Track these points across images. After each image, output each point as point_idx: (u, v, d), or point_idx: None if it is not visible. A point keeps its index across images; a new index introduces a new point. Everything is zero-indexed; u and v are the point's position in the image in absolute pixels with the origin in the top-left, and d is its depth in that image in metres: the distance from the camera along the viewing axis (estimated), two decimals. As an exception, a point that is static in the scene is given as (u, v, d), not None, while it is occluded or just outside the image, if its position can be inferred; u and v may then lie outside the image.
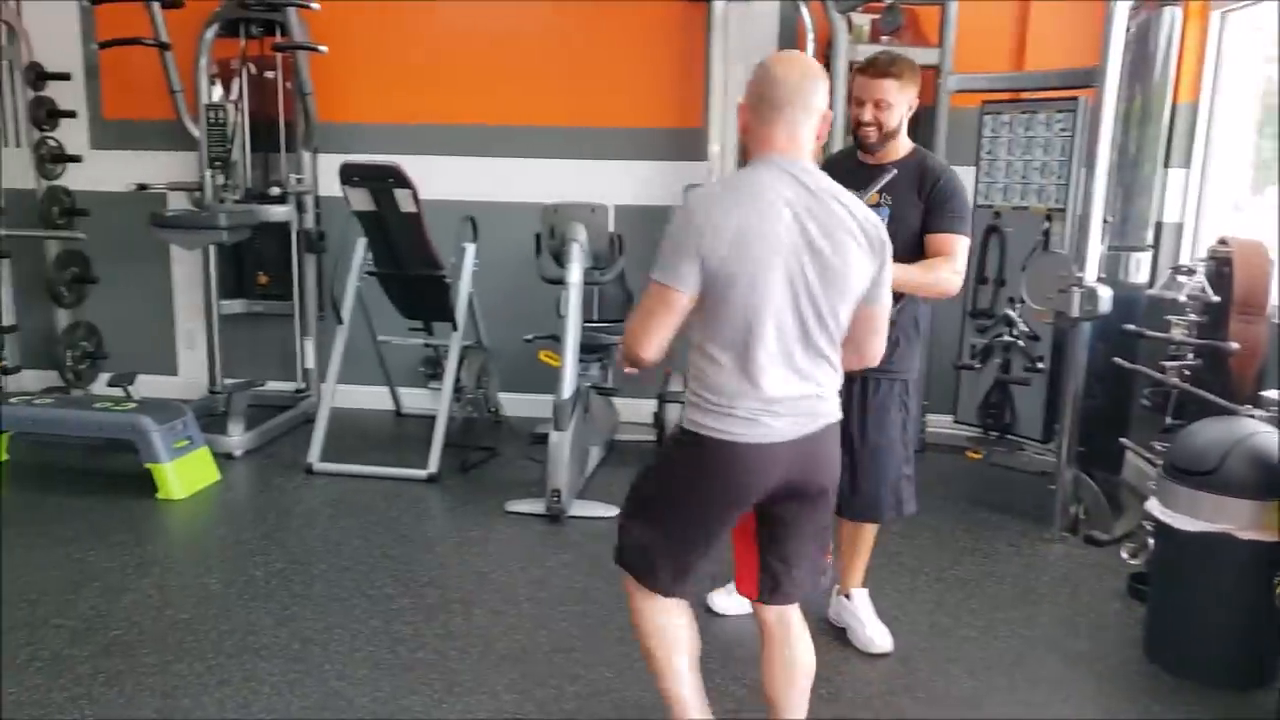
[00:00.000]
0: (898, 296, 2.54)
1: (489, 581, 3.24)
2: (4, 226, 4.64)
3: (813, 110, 1.87)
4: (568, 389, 3.81)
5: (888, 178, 2.56)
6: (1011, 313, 4.26)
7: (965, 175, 4.41)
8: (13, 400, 4.11)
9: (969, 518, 3.87)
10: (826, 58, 4.32)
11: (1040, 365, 4.14)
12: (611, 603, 3.09)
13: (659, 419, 4.27)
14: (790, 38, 4.66)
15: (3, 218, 4.65)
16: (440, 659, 2.74)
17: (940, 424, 4.70)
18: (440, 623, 2.94)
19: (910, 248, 2.51)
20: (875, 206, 2.54)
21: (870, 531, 2.88)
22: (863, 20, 4.38)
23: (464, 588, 3.19)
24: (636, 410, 4.82)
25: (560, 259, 4.06)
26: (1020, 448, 4.18)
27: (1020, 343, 4.22)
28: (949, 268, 2.52)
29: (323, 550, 3.44)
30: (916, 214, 2.57)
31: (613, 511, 3.78)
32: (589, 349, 4.36)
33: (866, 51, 4.29)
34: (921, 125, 4.51)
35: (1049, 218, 4.14)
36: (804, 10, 4.28)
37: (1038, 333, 4.16)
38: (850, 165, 2.66)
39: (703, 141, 4.63)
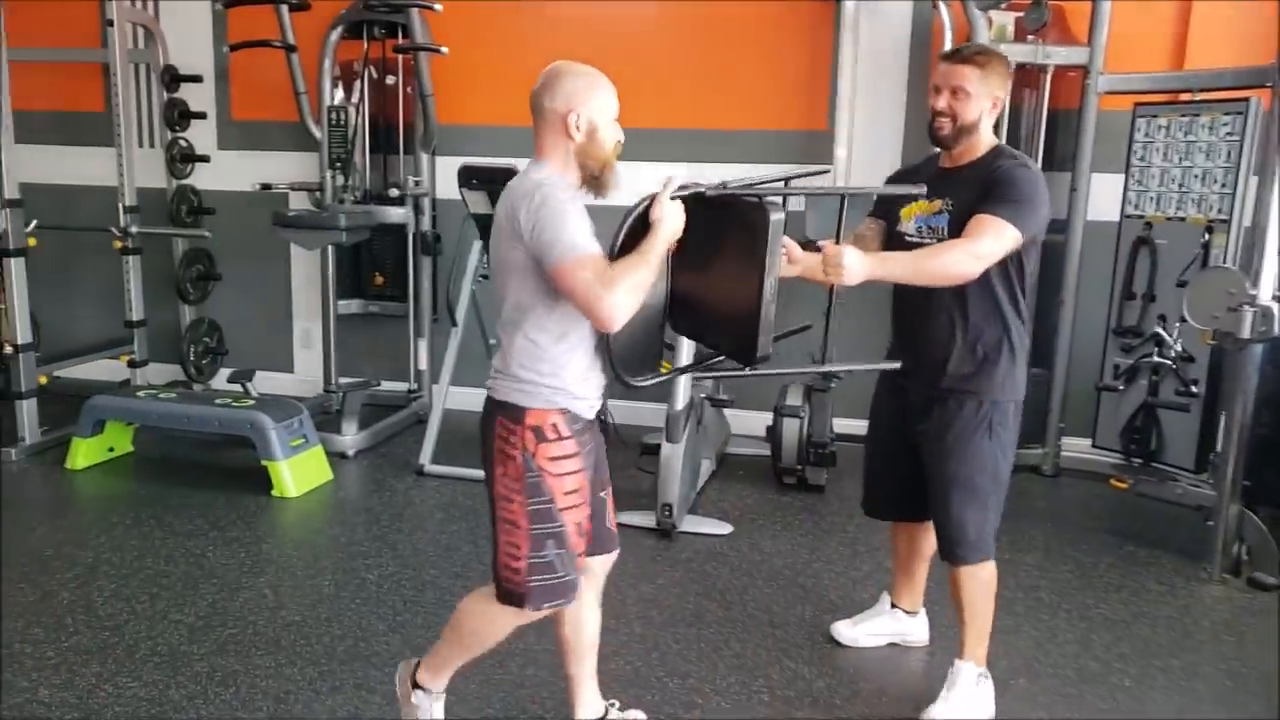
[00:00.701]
0: (925, 292, 2.30)
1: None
2: (136, 224, 4.76)
3: (544, 113, 1.98)
4: (681, 400, 3.67)
5: (913, 190, 2.27)
6: (1163, 331, 3.94)
7: (1112, 183, 4.18)
8: (140, 394, 4.21)
9: (1114, 551, 3.58)
10: (964, 57, 4.08)
11: (1195, 389, 3.82)
12: (726, 628, 2.95)
13: (775, 433, 4.10)
14: (925, 37, 4.44)
15: (136, 216, 4.78)
16: (551, 676, 2.64)
17: (1077, 448, 4.39)
18: (551, 638, 2.82)
19: None
20: (936, 214, 2.33)
21: (961, 574, 2.48)
22: (1005, 18, 4.12)
23: (574, 602, 3.08)
24: (747, 423, 4.66)
25: (678, 265, 3.93)
26: (1171, 478, 3.85)
27: (1172, 364, 3.89)
28: (963, 248, 2.17)
29: (433, 555, 3.39)
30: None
31: (726, 529, 3.65)
32: (703, 358, 4.22)
33: (1010, 52, 4.04)
34: (1064, 129, 4.26)
35: (1209, 229, 3.81)
36: (942, 8, 4.05)
37: (1192, 354, 3.84)
38: (929, 171, 2.39)
39: (828, 144, 4.45)
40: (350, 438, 4.40)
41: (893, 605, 2.86)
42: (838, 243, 2.12)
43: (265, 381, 4.99)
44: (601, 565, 2.27)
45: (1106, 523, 3.86)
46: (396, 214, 4.72)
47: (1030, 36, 4.10)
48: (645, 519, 3.66)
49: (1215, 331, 3.37)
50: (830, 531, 3.69)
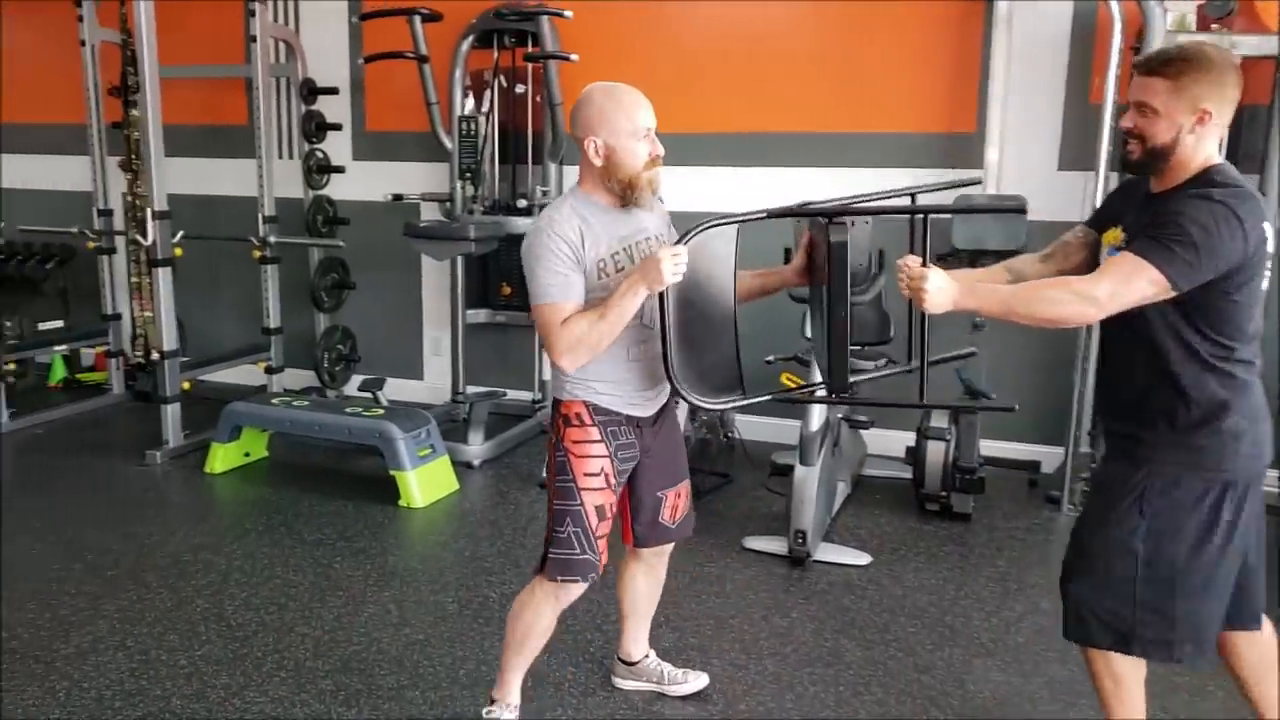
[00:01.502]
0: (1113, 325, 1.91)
1: (727, 628, 2.97)
2: (274, 234, 4.88)
3: (574, 141, 2.14)
4: (816, 420, 3.47)
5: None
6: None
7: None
8: (274, 401, 4.29)
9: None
10: (1135, 53, 3.75)
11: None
12: (867, 670, 2.74)
13: (918, 456, 3.85)
14: (1087, 31, 4.11)
15: (274, 225, 4.90)
16: (677, 714, 2.50)
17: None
18: (679, 669, 2.70)
19: (1150, 306, 1.86)
20: (1115, 246, 1.95)
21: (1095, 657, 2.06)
22: (1185, 6, 3.76)
23: (701, 632, 2.94)
24: (884, 443, 4.41)
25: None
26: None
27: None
28: (1072, 287, 1.84)
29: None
30: None
31: (864, 559, 3.43)
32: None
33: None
34: (1251, 127, 3.86)
35: None
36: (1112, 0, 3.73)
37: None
38: (1142, 191, 1.98)
39: (977, 147, 4.17)
40: (476, 448, 4.38)
41: None
42: (924, 264, 1.91)
43: (395, 389, 5.03)
44: (655, 553, 2.47)
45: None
46: (525, 224, 4.66)
47: (1214, 26, 3.72)
48: (777, 545, 3.48)
49: None
50: (979, 565, 3.43)
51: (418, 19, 4.60)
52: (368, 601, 3.08)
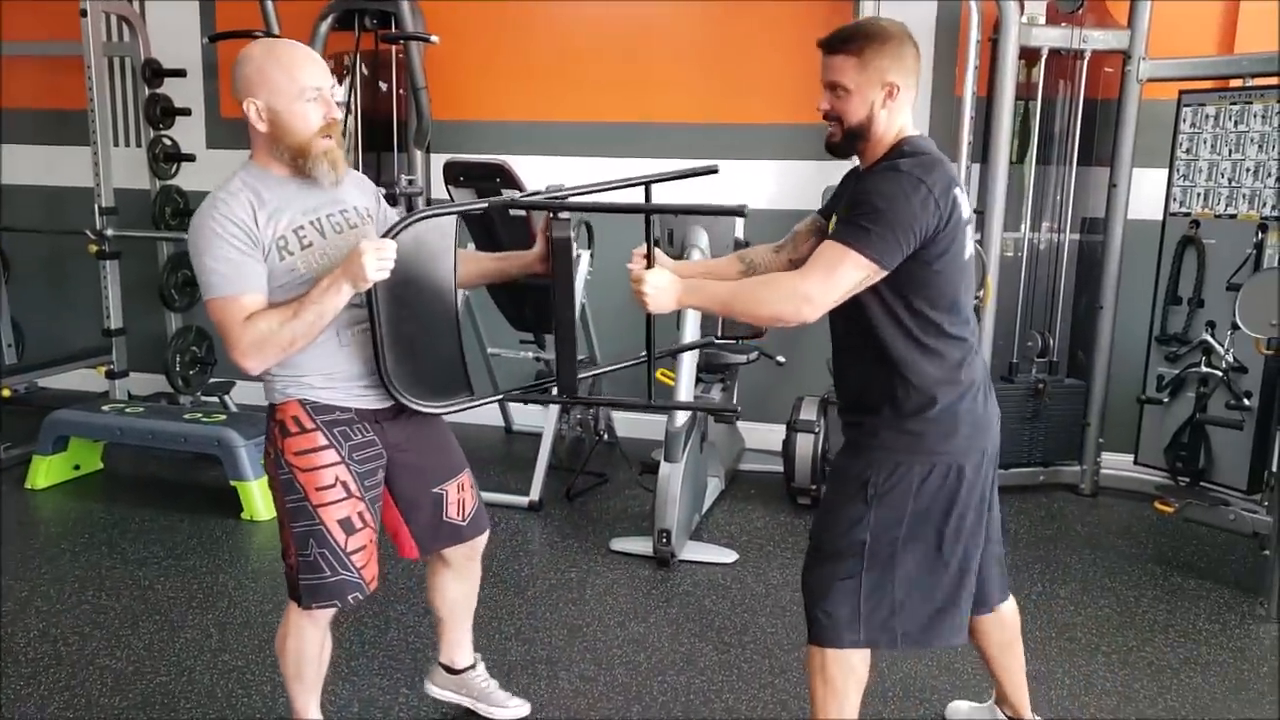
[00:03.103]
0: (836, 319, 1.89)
1: (581, 637, 2.83)
2: (115, 227, 4.54)
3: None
4: (681, 416, 3.37)
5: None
6: (1212, 339, 3.59)
7: (1154, 178, 3.82)
8: (105, 409, 3.98)
9: (1160, 584, 3.22)
10: (994, 45, 3.74)
11: (1247, 402, 3.46)
12: (720, 674, 2.64)
13: (788, 449, 3.78)
14: (952, 28, 4.11)
15: (113, 218, 4.55)
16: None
17: (1119, 465, 4.04)
18: (520, 687, 2.55)
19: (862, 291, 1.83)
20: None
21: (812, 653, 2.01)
22: (1037, 6, 3.77)
23: (552, 644, 2.79)
24: (764, 437, 4.33)
25: (678, 268, 3.63)
26: (1222, 500, 3.48)
27: (1223, 375, 3.54)
28: (788, 286, 1.79)
29: (404, 589, 3.10)
30: None
31: (730, 557, 3.33)
32: (710, 369, 3.93)
33: (1043, 37, 3.72)
34: (1102, 121, 3.91)
35: (1263, 227, 3.46)
36: (969, -5, 3.71)
37: (1245, 364, 3.47)
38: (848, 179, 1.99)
39: (844, 139, 4.13)
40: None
41: (996, 701, 2.33)
42: (650, 265, 1.83)
43: (250, 392, 4.74)
44: (463, 553, 2.23)
45: (1150, 550, 3.50)
46: (391, 214, 4.44)
47: (1065, 21, 3.75)
48: (643, 545, 3.36)
49: (1271, 340, 3.04)
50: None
51: (266, -4, 4.33)
52: (186, 625, 2.83)
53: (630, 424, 4.60)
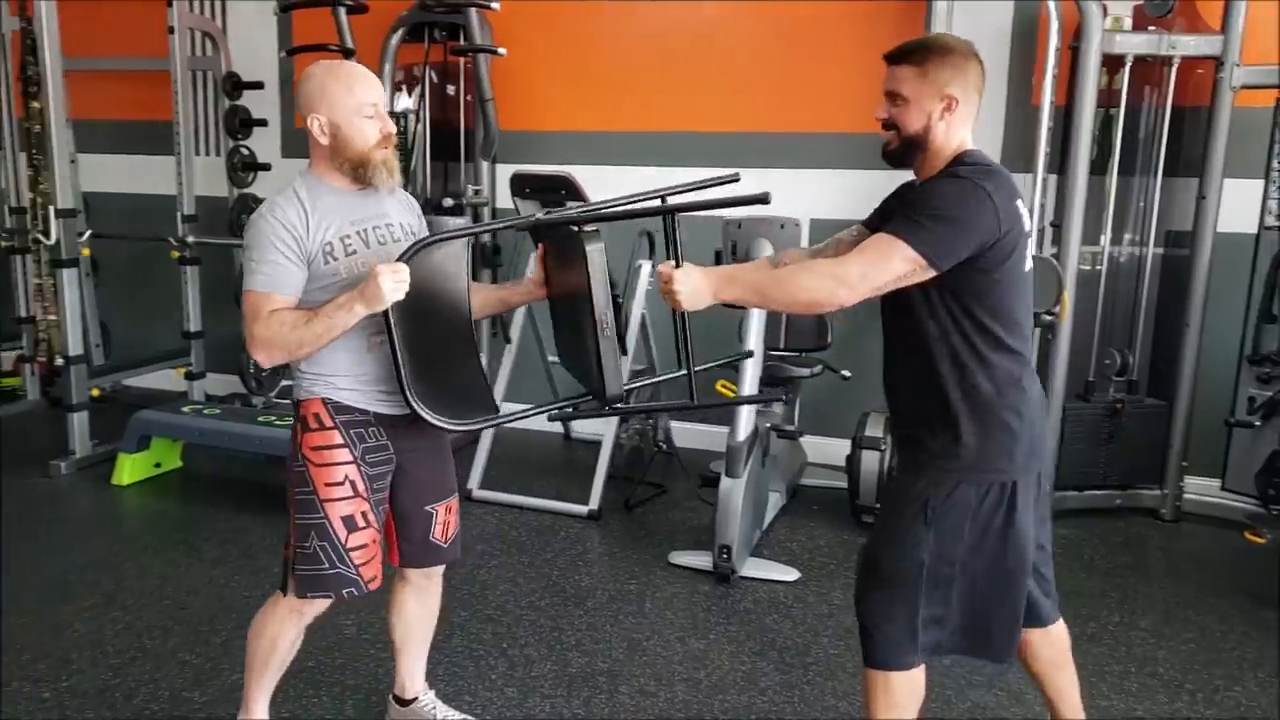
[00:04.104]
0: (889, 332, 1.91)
1: (642, 651, 2.80)
2: (195, 233, 4.67)
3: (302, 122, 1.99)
4: (744, 429, 3.33)
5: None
6: (1308, 361, 3.43)
7: (1248, 190, 3.66)
8: (185, 410, 4.09)
9: (1249, 619, 3.07)
10: (1074, 53, 3.63)
11: (1346, 428, 3.29)
12: (781, 694, 2.59)
13: (853, 466, 3.71)
14: (1028, 31, 4.00)
15: (194, 225, 4.69)
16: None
17: (1203, 490, 3.88)
18: (581, 700, 2.54)
19: (911, 296, 1.80)
20: None
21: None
22: (1123, 7, 3.65)
23: (613, 656, 2.77)
24: (826, 452, 4.27)
25: (745, 280, 3.60)
26: (1319, 531, 3.32)
27: (1319, 399, 3.37)
28: (826, 270, 1.79)
29: (467, 595, 3.12)
30: None
31: (792, 575, 3.28)
32: (772, 382, 3.88)
33: (1128, 44, 3.60)
34: (1191, 129, 3.76)
35: (1366, 243, 3.29)
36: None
37: (1344, 387, 3.31)
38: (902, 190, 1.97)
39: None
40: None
41: None
42: (678, 265, 1.81)
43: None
44: (424, 574, 2.27)
45: (1239, 582, 3.34)
46: (457, 224, 4.50)
47: (1152, 26, 3.62)
48: (703, 560, 3.33)
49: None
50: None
51: (342, 11, 4.41)
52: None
53: (688, 435, 4.57)
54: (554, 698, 2.55)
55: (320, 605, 2.09)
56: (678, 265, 1.82)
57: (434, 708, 2.38)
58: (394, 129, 2.00)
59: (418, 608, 2.30)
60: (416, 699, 2.37)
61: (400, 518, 2.14)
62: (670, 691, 2.59)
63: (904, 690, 1.92)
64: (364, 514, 2.02)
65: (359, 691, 2.57)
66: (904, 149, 1.86)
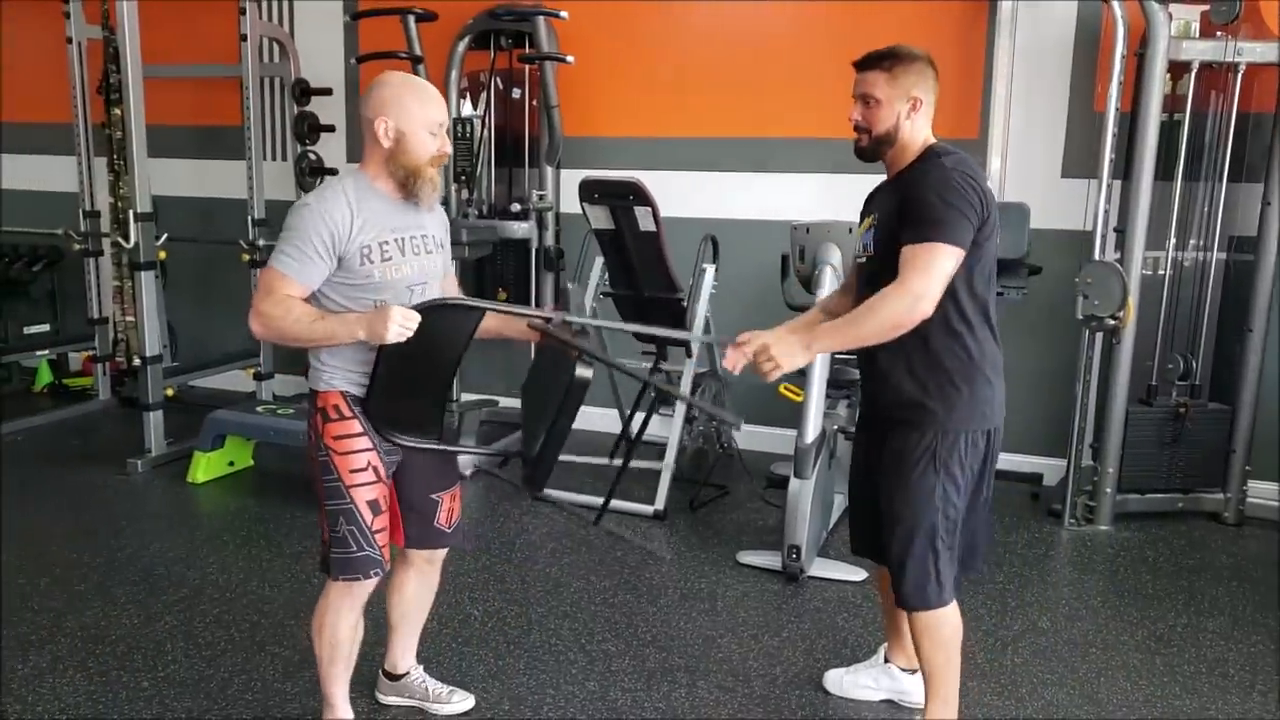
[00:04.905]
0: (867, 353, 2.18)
1: (716, 648, 2.86)
2: (264, 237, 4.80)
3: (361, 120, 2.08)
4: (811, 431, 3.38)
5: None
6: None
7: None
8: (259, 410, 4.20)
9: (1320, 622, 3.08)
10: (1140, 59, 3.65)
11: None
12: (860, 693, 2.63)
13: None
14: (1091, 35, 4.02)
15: (264, 228, 4.81)
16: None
17: (1267, 494, 3.89)
18: (661, 694, 2.60)
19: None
20: (867, 230, 2.19)
21: (918, 620, 2.25)
22: (1190, 12, 3.66)
23: (688, 653, 2.83)
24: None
25: (810, 284, 3.65)
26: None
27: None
28: (897, 296, 1.95)
29: (542, 592, 3.20)
30: (899, 236, 2.04)
31: (859, 575, 3.33)
32: (837, 385, 3.92)
33: (1194, 50, 3.61)
34: (1256, 135, 3.77)
35: None
36: (1115, 4, 3.62)
37: None
38: (883, 185, 2.24)
39: (979, 154, 4.07)
40: (466, 458, 4.28)
41: (886, 660, 2.59)
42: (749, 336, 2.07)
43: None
44: (426, 556, 2.40)
45: (1308, 586, 3.35)
46: (520, 229, 4.59)
47: (1219, 32, 3.63)
48: (771, 560, 3.38)
49: None
50: (976, 581, 3.30)
51: (412, 19, 4.53)
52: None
53: (751, 437, 4.62)
54: (634, 691, 2.61)
55: (368, 587, 2.21)
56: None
57: (423, 681, 2.52)
58: (449, 150, 2.13)
59: (418, 588, 2.43)
60: (408, 674, 2.51)
61: (406, 505, 2.27)
62: (748, 688, 2.65)
63: (947, 624, 2.19)
64: (384, 498, 2.17)
65: (278, 660, 2.62)
66: (874, 146, 2.13)
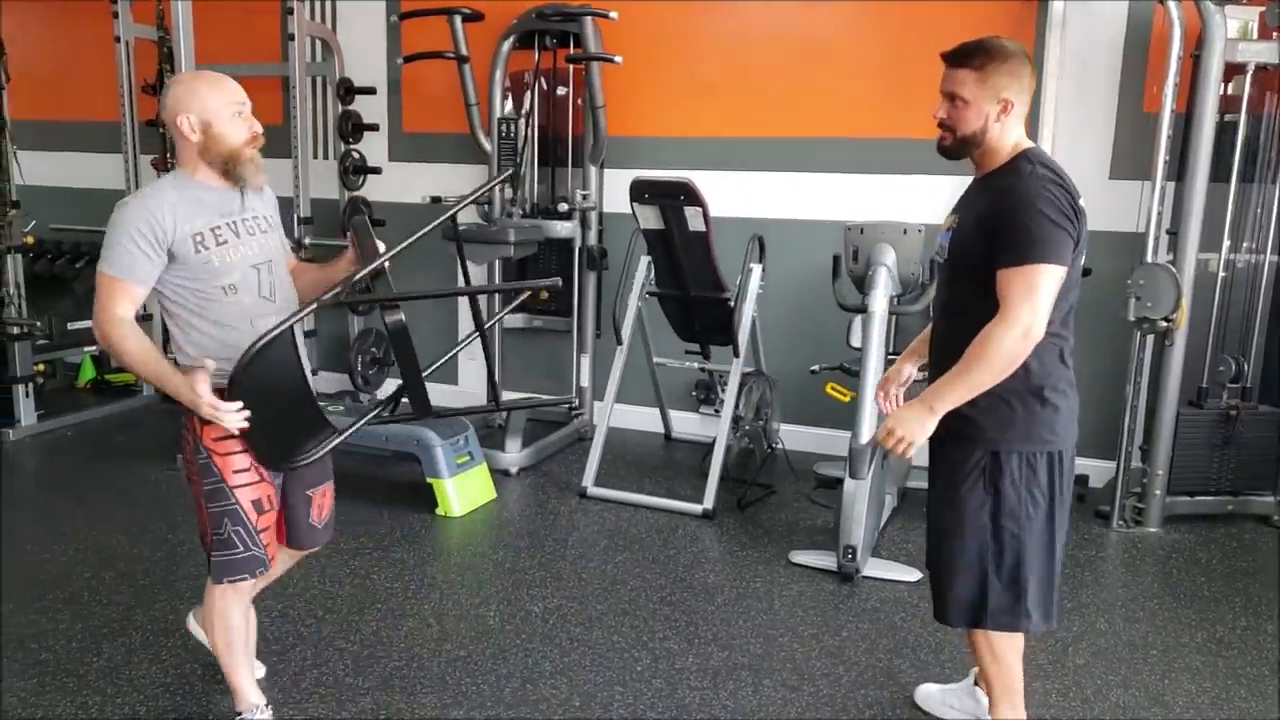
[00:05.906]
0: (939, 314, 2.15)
1: (778, 646, 2.88)
2: (309, 235, 4.83)
3: (168, 126, 2.10)
4: (866, 432, 3.38)
5: None
6: None
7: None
8: (310, 405, 4.23)
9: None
10: (1195, 60, 3.64)
11: None
12: (927, 693, 2.64)
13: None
14: (1142, 37, 4.01)
15: (310, 227, 4.84)
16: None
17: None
18: (729, 692, 2.62)
19: (973, 284, 1.97)
20: (946, 231, 2.12)
21: (977, 635, 2.21)
22: (1248, 13, 3.64)
23: (751, 651, 2.85)
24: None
25: (863, 284, 3.66)
26: None
27: None
28: (1003, 332, 1.87)
29: (599, 589, 3.22)
30: (978, 242, 1.97)
31: (914, 575, 3.33)
32: (886, 385, 3.92)
33: (1250, 52, 3.59)
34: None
35: None
36: (1171, 5, 3.60)
37: None
38: (970, 186, 2.15)
39: (1029, 155, 4.06)
40: (514, 455, 4.31)
41: (976, 682, 2.51)
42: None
43: (430, 394, 4.97)
44: (291, 556, 2.45)
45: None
46: (564, 228, 4.61)
47: (1276, 34, 3.61)
48: (825, 560, 3.39)
49: None
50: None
51: (458, 19, 4.55)
52: (407, 615, 3.00)
53: (796, 437, 4.64)
54: (702, 690, 2.63)
55: (249, 585, 2.24)
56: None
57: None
58: (261, 130, 2.14)
59: (275, 570, 2.46)
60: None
61: (287, 504, 2.29)
62: (813, 686, 2.66)
63: (1006, 641, 2.15)
64: (269, 497, 2.18)
65: (346, 655, 2.68)
66: (958, 147, 2.03)
